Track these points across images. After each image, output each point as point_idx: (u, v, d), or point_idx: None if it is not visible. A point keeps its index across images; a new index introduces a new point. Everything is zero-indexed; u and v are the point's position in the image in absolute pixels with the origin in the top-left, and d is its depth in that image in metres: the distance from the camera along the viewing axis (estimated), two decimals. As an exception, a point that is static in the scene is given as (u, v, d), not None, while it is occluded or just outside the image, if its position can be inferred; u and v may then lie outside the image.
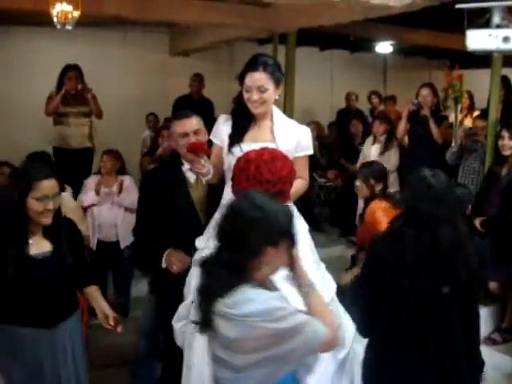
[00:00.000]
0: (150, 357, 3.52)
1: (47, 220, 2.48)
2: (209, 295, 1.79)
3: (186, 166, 3.04)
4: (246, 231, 1.77)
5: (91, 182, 4.87)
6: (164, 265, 2.93)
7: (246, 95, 2.71)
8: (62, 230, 2.57)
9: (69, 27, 4.58)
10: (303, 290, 1.94)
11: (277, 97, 2.76)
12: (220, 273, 1.78)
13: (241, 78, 2.73)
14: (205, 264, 1.89)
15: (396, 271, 2.24)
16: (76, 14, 4.51)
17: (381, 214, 3.63)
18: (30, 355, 2.49)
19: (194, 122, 3.00)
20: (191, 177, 3.04)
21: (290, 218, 1.85)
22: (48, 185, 2.45)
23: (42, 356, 2.51)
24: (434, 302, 2.25)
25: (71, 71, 5.66)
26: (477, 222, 4.15)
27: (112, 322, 2.67)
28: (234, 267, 1.77)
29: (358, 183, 4.04)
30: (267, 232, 1.77)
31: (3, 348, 2.49)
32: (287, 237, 1.83)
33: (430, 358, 2.25)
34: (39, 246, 2.52)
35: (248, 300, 1.72)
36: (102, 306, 2.73)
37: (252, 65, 2.69)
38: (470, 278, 2.25)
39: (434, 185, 2.27)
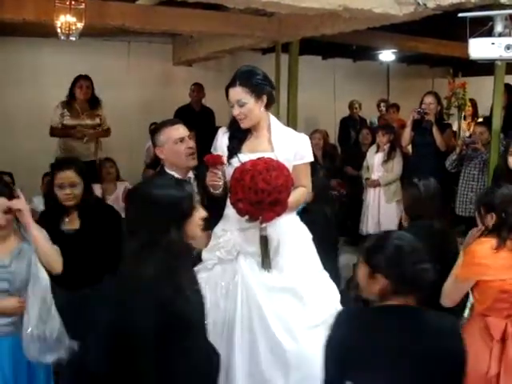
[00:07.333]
0: None
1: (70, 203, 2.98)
2: None
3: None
4: None
5: (96, 191, 4.86)
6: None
7: (231, 110, 2.74)
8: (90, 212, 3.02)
9: (73, 38, 4.60)
10: None
11: (262, 109, 2.74)
12: None
13: (226, 95, 2.75)
14: None
15: None
16: (80, 25, 4.53)
17: None
18: None
19: (184, 127, 2.96)
20: None
21: None
22: (63, 175, 2.97)
23: None
24: None
25: (82, 80, 5.64)
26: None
27: None
28: None
29: None
30: None
31: None
32: None
33: None
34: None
35: None
36: None
37: (231, 80, 2.73)
38: None
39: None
